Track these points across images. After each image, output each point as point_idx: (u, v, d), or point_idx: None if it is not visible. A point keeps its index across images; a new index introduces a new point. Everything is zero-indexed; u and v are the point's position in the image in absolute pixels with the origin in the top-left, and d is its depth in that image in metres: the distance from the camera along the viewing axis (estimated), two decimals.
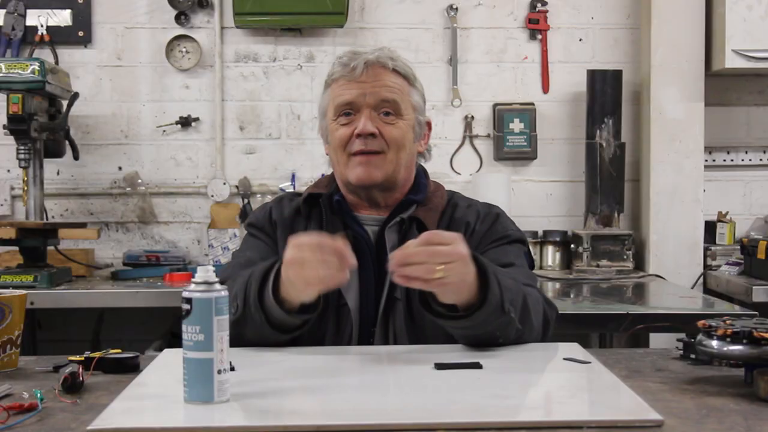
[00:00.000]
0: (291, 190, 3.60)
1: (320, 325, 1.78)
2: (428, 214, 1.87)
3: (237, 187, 3.71)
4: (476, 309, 1.59)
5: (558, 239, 3.66)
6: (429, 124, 1.97)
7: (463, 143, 3.77)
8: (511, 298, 1.64)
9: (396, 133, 1.84)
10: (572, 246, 3.59)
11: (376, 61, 1.85)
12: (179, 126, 3.71)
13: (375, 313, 1.81)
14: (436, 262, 1.51)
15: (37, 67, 3.11)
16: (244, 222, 2.02)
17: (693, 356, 1.59)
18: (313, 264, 1.53)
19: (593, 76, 3.62)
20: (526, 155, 3.74)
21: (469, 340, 1.69)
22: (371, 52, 1.87)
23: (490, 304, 1.59)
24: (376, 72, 1.85)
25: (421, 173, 1.96)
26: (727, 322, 1.43)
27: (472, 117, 3.76)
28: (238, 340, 1.55)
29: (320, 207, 1.90)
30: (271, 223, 1.92)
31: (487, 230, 1.90)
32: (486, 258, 1.84)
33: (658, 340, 3.12)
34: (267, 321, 1.65)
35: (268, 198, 3.58)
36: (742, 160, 3.80)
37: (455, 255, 1.53)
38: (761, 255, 3.22)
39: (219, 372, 1.28)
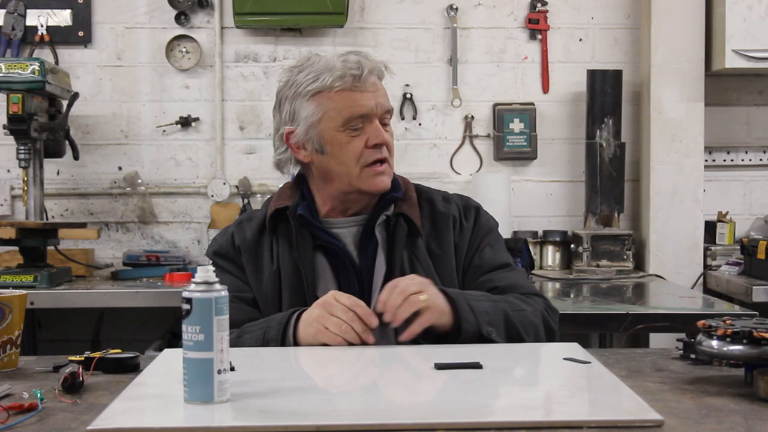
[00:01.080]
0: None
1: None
2: (411, 209, 1.89)
3: (237, 187, 3.71)
4: (455, 337, 1.68)
5: (558, 239, 3.66)
6: None
7: (463, 143, 3.77)
8: (489, 320, 1.71)
9: (391, 141, 1.88)
10: (572, 246, 3.59)
11: (372, 69, 1.85)
12: (179, 126, 3.71)
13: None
14: (412, 294, 1.64)
15: (37, 67, 3.11)
16: (207, 253, 1.98)
17: (693, 356, 1.59)
18: (336, 326, 1.62)
19: (593, 76, 3.62)
20: (526, 155, 3.74)
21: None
22: (364, 59, 1.85)
23: (466, 333, 1.67)
24: (375, 80, 1.86)
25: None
26: (727, 322, 1.43)
27: (472, 117, 3.76)
28: None
29: (287, 221, 1.88)
30: (235, 248, 1.90)
31: (474, 226, 1.94)
32: (482, 258, 1.88)
33: (658, 340, 3.12)
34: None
35: (268, 198, 3.58)
36: (742, 160, 3.80)
37: (421, 284, 1.68)
38: (761, 255, 3.22)
39: (219, 372, 1.28)
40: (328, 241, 1.86)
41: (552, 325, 1.83)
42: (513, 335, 1.74)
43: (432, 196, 1.96)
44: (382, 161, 1.84)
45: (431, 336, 1.70)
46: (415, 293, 1.65)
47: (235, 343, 1.62)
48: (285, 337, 1.69)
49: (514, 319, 1.75)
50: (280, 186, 2.03)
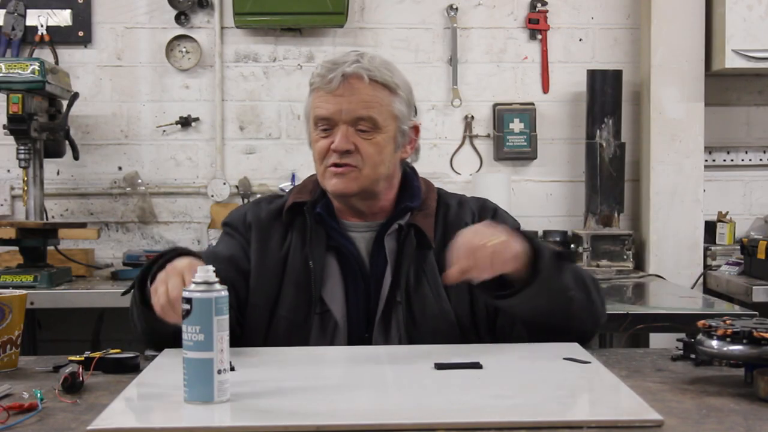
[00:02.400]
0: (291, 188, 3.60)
1: (303, 329, 1.79)
2: (425, 220, 1.85)
3: (237, 187, 3.71)
4: (534, 264, 1.63)
5: (558, 239, 3.65)
6: (416, 129, 1.91)
7: (463, 143, 3.77)
8: (561, 253, 1.69)
9: (371, 150, 1.80)
10: (572, 246, 3.59)
11: (353, 74, 1.79)
12: (179, 126, 3.71)
13: (365, 323, 1.81)
14: (483, 243, 1.59)
15: (37, 67, 3.11)
16: (223, 221, 1.99)
17: (693, 356, 1.59)
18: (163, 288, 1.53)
19: (593, 76, 3.62)
20: (526, 155, 3.74)
21: (542, 311, 1.69)
22: (350, 63, 1.80)
23: (543, 257, 1.64)
24: (352, 85, 1.79)
25: (412, 176, 1.92)
26: (727, 322, 1.44)
27: (472, 117, 3.76)
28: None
29: (304, 216, 1.86)
30: (245, 224, 1.90)
31: None
32: None
33: (658, 340, 3.12)
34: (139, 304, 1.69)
35: None
36: (742, 160, 3.80)
37: (487, 232, 1.62)
38: (761, 255, 3.22)
39: (219, 372, 1.28)
40: (341, 243, 1.84)
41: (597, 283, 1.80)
42: (578, 276, 1.72)
43: (448, 202, 1.92)
44: (339, 164, 1.80)
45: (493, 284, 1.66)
46: (482, 245, 1.60)
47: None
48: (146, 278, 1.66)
49: (578, 271, 1.74)
50: (305, 177, 2.00)
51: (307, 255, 1.82)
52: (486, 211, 1.93)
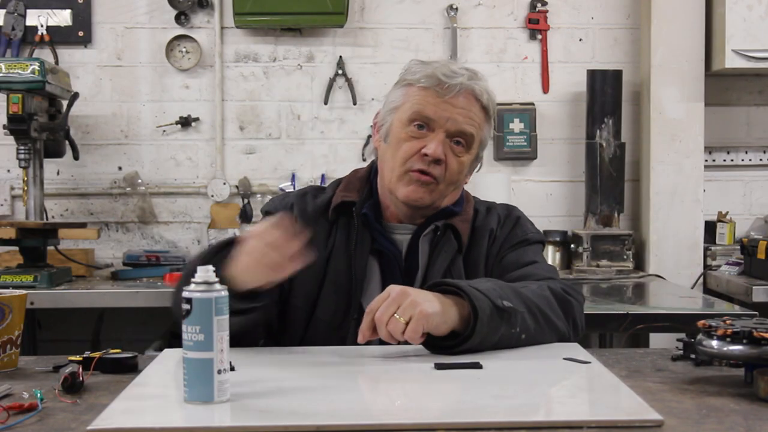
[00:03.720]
0: (290, 189, 3.60)
1: (340, 332, 1.78)
2: (462, 224, 1.85)
3: (237, 187, 3.71)
4: (473, 322, 1.57)
5: (558, 239, 3.66)
6: (482, 163, 1.92)
7: None
8: (500, 295, 1.62)
9: (456, 168, 1.80)
10: (572, 246, 3.59)
11: (472, 89, 1.79)
12: (179, 126, 3.71)
13: None
14: (390, 315, 1.52)
15: (37, 67, 3.11)
16: (262, 208, 1.95)
17: (693, 356, 1.59)
18: (261, 254, 1.53)
19: (593, 76, 3.62)
20: (526, 155, 3.74)
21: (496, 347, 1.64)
22: (468, 77, 1.80)
23: (483, 312, 1.57)
24: (466, 98, 1.79)
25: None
26: (727, 322, 1.43)
27: None
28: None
29: (350, 215, 1.85)
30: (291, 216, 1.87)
31: (507, 234, 1.90)
32: (506, 261, 1.84)
33: (658, 340, 3.12)
34: None
35: (269, 198, 3.58)
36: (742, 160, 3.80)
37: (397, 298, 1.53)
38: (761, 255, 3.22)
39: (219, 372, 1.28)
40: (385, 246, 1.83)
41: (564, 295, 1.75)
42: (530, 305, 1.65)
43: (477, 209, 1.92)
44: (425, 172, 1.78)
45: (437, 341, 1.59)
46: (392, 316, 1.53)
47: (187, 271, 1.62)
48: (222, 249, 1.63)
49: (520, 289, 1.68)
50: (350, 171, 1.97)
51: (351, 259, 1.80)
52: (510, 218, 1.93)
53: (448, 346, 1.59)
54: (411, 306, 1.53)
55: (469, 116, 1.80)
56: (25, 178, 3.27)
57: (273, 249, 1.52)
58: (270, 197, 3.59)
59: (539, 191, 3.79)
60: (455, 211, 1.87)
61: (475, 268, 1.85)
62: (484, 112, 1.83)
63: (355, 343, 1.63)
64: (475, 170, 1.92)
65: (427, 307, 1.54)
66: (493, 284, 1.67)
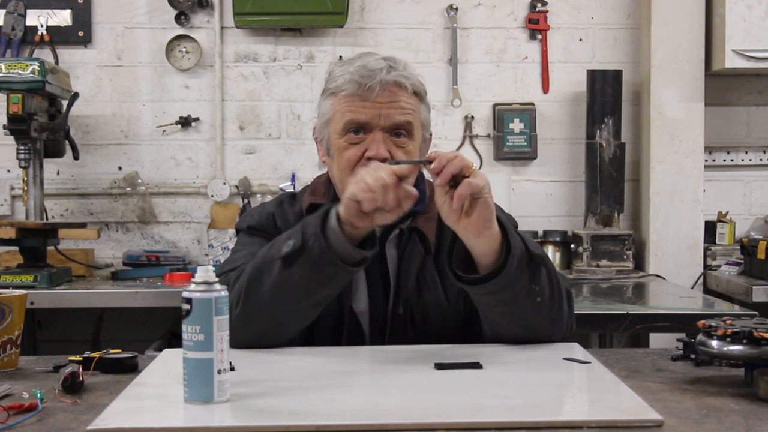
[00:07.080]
0: (290, 190, 3.60)
1: (334, 338, 1.77)
2: (427, 224, 1.82)
3: (237, 187, 3.71)
4: (505, 258, 1.58)
5: (558, 239, 3.66)
6: (431, 137, 1.90)
7: (463, 143, 3.77)
8: (532, 245, 1.64)
9: (404, 158, 1.77)
10: (572, 246, 3.59)
11: (393, 81, 1.76)
12: (179, 126, 3.71)
13: (384, 322, 1.79)
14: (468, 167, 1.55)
15: (37, 67, 3.11)
16: (240, 225, 1.92)
17: (693, 356, 1.59)
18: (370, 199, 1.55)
19: (593, 76, 3.62)
20: (526, 155, 3.74)
21: (506, 311, 1.65)
22: (386, 70, 1.76)
23: (515, 248, 1.59)
24: (391, 91, 1.76)
25: (420, 179, 1.87)
26: (727, 322, 1.44)
27: (472, 117, 3.76)
28: (252, 316, 1.62)
29: None
30: (276, 228, 1.85)
31: None
32: None
33: (658, 340, 3.12)
34: (326, 255, 1.59)
35: (269, 198, 3.58)
36: (742, 160, 3.80)
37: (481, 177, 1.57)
38: (761, 255, 3.22)
39: (219, 372, 1.28)
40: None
41: (569, 291, 1.76)
42: (551, 273, 1.67)
43: None
44: None
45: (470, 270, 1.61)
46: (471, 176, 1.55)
47: (250, 274, 1.63)
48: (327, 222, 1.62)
49: (555, 279, 1.70)
50: (314, 178, 1.96)
51: None
52: None
53: (475, 281, 1.61)
54: (488, 188, 1.56)
55: (400, 106, 1.77)
56: (25, 178, 3.27)
57: (383, 192, 1.54)
58: (270, 197, 3.61)
59: (539, 191, 3.79)
60: (417, 210, 1.82)
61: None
62: (415, 96, 1.80)
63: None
64: (430, 147, 1.88)
65: (492, 204, 1.57)
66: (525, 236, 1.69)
